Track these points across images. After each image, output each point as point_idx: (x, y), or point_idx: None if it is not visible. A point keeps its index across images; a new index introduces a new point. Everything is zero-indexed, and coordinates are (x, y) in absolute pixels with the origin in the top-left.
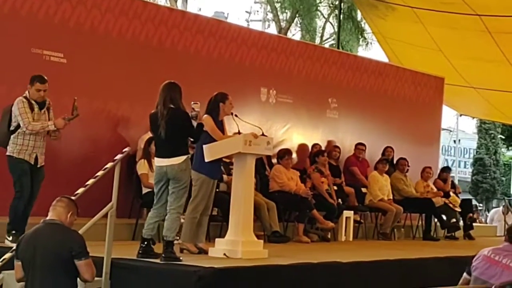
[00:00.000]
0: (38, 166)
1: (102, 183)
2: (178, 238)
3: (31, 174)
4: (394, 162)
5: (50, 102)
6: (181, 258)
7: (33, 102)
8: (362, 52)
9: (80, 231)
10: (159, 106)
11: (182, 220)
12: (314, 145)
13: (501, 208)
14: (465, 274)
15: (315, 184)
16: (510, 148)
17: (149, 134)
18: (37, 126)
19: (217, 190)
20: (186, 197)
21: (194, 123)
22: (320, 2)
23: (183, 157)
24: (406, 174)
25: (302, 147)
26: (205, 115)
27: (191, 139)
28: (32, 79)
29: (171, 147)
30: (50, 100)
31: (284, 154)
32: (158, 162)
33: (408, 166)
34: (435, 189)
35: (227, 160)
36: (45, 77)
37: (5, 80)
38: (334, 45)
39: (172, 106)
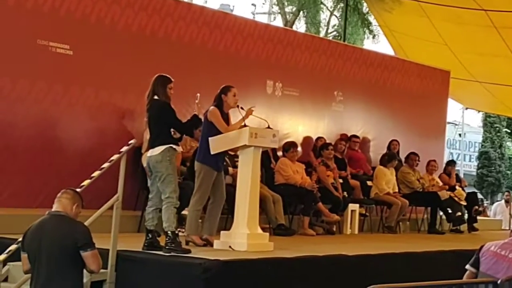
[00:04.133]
0: None
1: (108, 175)
2: (183, 231)
3: None
4: (399, 155)
5: None
6: (183, 248)
7: None
8: (369, 45)
9: (85, 223)
10: None
11: (185, 212)
12: (319, 138)
13: (503, 200)
14: (468, 266)
15: (321, 177)
16: None
17: None
18: None
19: None
20: (173, 186)
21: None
22: None
23: (160, 148)
24: (415, 169)
25: (307, 140)
26: (212, 107)
27: (176, 131)
28: None
29: (151, 139)
30: (58, 90)
31: (290, 146)
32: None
33: (418, 161)
34: (440, 183)
35: (232, 153)
36: None
37: (12, 72)
38: (337, 37)
39: (155, 98)
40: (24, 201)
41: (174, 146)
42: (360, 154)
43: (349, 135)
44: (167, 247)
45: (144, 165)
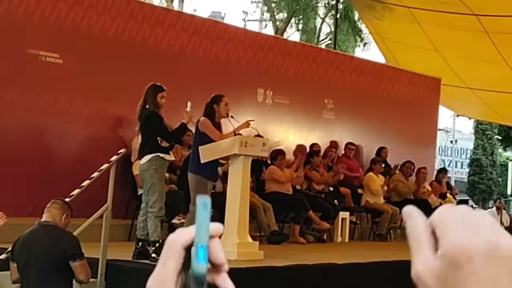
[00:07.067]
0: None
1: (98, 183)
2: None
3: None
4: (389, 162)
5: None
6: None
7: None
8: (360, 52)
9: (75, 232)
10: None
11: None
12: (313, 145)
13: (494, 208)
14: None
15: (314, 178)
16: (507, 149)
17: None
18: None
19: (213, 191)
20: (157, 195)
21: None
22: (317, 3)
23: (147, 157)
24: (408, 178)
25: (298, 148)
26: (203, 118)
27: (163, 139)
28: None
29: (141, 148)
30: (48, 99)
31: (277, 154)
32: None
33: (413, 170)
34: (430, 190)
35: (224, 162)
36: None
37: (2, 81)
38: (330, 45)
39: (146, 107)
40: (13, 211)
41: (161, 155)
42: (354, 163)
43: (339, 142)
44: (151, 257)
45: (135, 173)
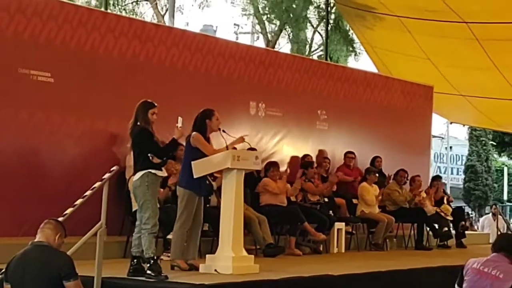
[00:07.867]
0: None
1: (92, 200)
2: (169, 255)
3: None
4: (383, 171)
5: None
6: (164, 273)
7: None
8: (352, 62)
9: (69, 251)
10: None
11: (170, 236)
12: (305, 156)
13: (490, 214)
14: (456, 286)
15: (310, 190)
16: (502, 154)
17: None
18: None
19: (208, 205)
20: (150, 212)
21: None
22: (307, 13)
23: (139, 174)
24: (402, 186)
25: (293, 160)
26: (194, 133)
27: (154, 156)
28: None
29: (134, 164)
30: (41, 118)
31: (270, 166)
32: None
33: (407, 179)
34: (425, 197)
35: (218, 175)
36: None
37: None
38: (322, 56)
39: (137, 123)
40: (8, 230)
41: (153, 171)
42: (355, 173)
43: (334, 153)
44: (146, 273)
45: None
